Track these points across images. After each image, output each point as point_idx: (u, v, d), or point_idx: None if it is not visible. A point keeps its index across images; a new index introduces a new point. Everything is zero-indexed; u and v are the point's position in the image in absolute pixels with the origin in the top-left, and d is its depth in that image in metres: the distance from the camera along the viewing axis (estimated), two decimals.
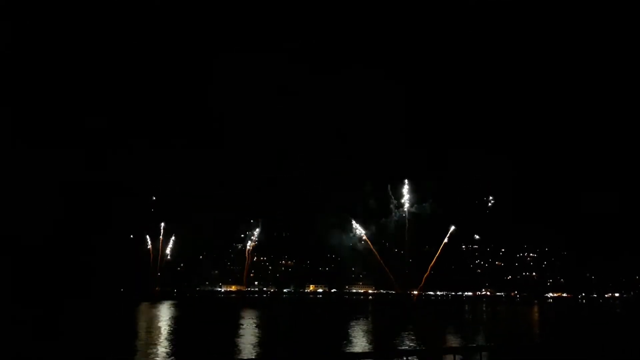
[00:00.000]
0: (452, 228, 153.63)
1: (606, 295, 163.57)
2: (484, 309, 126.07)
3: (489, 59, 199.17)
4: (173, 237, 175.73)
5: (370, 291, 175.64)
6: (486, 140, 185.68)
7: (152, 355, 33.19)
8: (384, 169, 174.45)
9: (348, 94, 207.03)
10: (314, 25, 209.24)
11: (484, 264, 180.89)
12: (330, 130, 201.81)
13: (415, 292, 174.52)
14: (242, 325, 56.91)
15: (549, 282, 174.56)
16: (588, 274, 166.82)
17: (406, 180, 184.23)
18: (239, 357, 32.77)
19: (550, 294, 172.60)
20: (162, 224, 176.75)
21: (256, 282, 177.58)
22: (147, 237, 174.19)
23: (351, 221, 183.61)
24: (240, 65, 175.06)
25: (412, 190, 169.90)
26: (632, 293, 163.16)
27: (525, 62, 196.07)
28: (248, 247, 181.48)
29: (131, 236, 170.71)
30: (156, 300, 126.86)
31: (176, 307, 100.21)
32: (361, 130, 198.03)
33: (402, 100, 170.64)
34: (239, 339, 42.47)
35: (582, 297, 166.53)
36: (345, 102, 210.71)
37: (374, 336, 48.33)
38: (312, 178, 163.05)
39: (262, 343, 39.94)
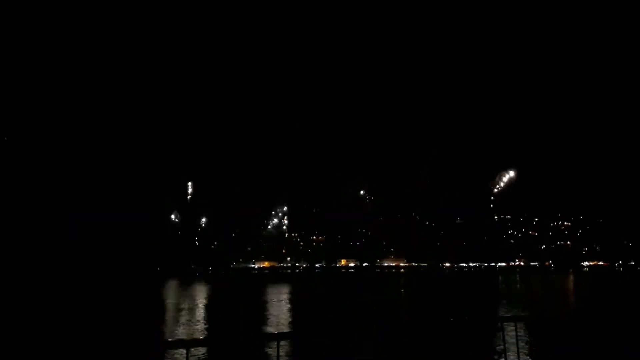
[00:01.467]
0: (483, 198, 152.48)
1: None
2: (518, 279, 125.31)
3: (491, 45, 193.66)
4: (204, 219, 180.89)
5: (401, 264, 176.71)
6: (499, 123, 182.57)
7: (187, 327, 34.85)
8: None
9: (348, 83, 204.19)
10: (311, 15, 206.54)
11: (517, 234, 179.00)
12: (336, 118, 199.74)
13: (448, 264, 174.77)
14: (272, 300, 58.62)
15: (584, 250, 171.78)
16: (625, 241, 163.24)
17: (432, 151, 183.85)
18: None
19: (586, 263, 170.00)
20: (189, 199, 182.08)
21: (288, 258, 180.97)
22: (178, 215, 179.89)
23: (377, 195, 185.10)
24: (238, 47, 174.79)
25: (435, 163, 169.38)
26: None
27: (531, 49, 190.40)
28: (279, 224, 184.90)
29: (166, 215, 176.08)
30: (193, 279, 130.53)
31: (214, 285, 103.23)
32: (365, 118, 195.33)
33: (402, 88, 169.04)
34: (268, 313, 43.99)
35: (619, 265, 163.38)
36: (346, 91, 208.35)
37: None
38: (329, 160, 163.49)
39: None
